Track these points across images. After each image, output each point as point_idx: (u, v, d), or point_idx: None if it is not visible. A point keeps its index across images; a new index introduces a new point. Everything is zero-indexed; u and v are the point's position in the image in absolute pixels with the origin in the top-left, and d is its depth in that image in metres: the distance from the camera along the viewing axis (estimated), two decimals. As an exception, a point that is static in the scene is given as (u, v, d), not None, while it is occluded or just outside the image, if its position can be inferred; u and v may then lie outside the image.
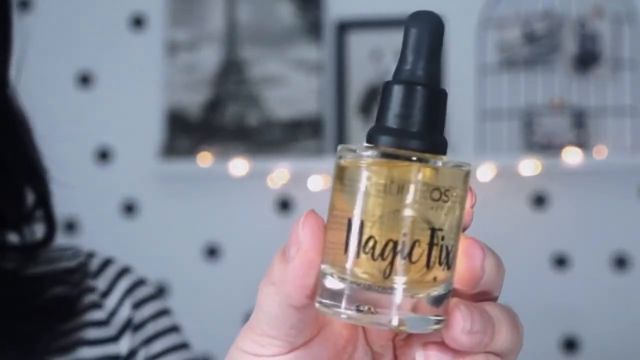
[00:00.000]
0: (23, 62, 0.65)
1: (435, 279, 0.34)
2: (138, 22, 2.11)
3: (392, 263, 0.34)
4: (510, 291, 1.77)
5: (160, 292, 2.04)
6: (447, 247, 0.35)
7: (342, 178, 0.35)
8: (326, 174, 1.93)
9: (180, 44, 2.08)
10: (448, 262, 0.35)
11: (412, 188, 0.34)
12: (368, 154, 0.35)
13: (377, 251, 0.34)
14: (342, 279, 0.34)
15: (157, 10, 2.10)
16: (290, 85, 2.04)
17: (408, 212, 0.34)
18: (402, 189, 0.34)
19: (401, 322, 0.34)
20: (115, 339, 0.64)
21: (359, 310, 0.34)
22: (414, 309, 0.34)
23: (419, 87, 0.35)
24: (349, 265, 0.34)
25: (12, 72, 0.63)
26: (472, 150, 1.97)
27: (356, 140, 1.99)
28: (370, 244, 0.34)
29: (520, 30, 1.99)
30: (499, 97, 1.98)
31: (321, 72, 2.03)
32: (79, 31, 2.09)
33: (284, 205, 2.02)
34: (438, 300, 0.35)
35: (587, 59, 1.95)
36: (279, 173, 1.96)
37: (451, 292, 0.35)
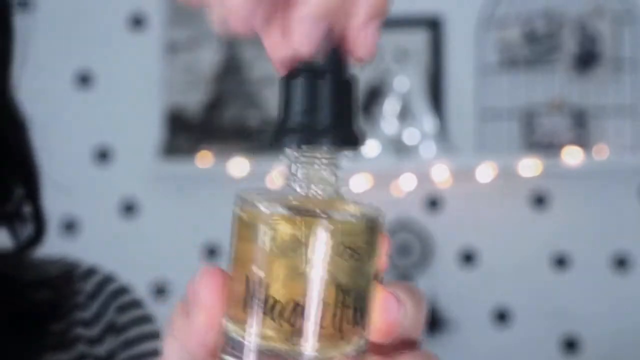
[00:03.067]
0: (23, 62, 0.65)
1: (347, 340, 0.32)
2: (138, 22, 2.11)
3: (298, 328, 0.31)
4: (510, 291, 1.78)
5: (160, 294, 2.04)
6: (358, 306, 0.32)
7: (243, 230, 0.32)
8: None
9: (180, 44, 2.08)
10: (360, 322, 0.32)
11: (317, 246, 0.31)
12: (269, 208, 0.31)
13: (283, 316, 0.31)
14: (245, 339, 0.32)
15: (156, 10, 2.10)
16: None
17: (314, 273, 0.31)
18: (306, 248, 0.31)
19: None
20: (98, 340, 0.65)
21: None
22: None
23: (322, 78, 0.31)
24: (253, 329, 0.32)
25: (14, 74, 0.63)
26: (472, 150, 1.97)
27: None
28: (275, 307, 0.31)
29: (520, 30, 1.99)
30: (499, 97, 1.98)
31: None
32: (79, 31, 2.09)
33: (284, 205, 2.02)
34: (352, 358, 0.32)
35: (587, 59, 1.95)
36: (279, 173, 1.96)
37: (366, 347, 0.33)
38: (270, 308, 0.31)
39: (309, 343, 0.31)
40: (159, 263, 2.04)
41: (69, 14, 2.09)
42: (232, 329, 0.32)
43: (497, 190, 1.97)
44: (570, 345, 1.97)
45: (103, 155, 2.10)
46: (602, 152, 1.91)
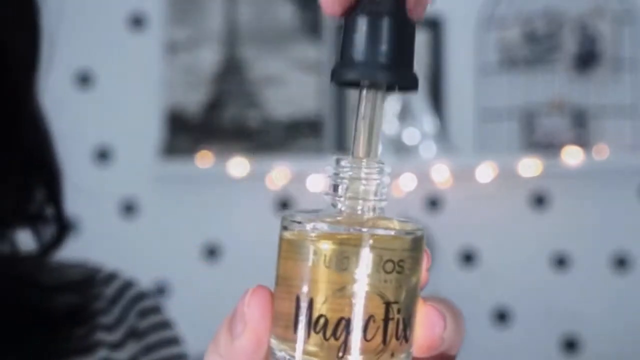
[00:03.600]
0: (49, 66, 0.67)
1: (392, 354, 0.32)
2: (138, 22, 2.10)
3: (345, 343, 0.32)
4: (510, 291, 1.79)
5: (160, 294, 2.04)
6: (404, 320, 0.33)
7: (288, 250, 0.33)
8: (326, 174, 1.93)
9: (180, 43, 2.07)
10: (406, 336, 0.33)
11: (362, 261, 0.32)
12: (314, 226, 0.32)
13: (329, 331, 0.32)
14: (294, 358, 0.32)
15: (156, 10, 2.10)
16: (290, 85, 2.04)
17: (360, 287, 0.32)
18: (352, 263, 0.32)
19: None
20: (119, 345, 0.65)
21: None
22: None
23: (384, 18, 0.32)
24: (299, 345, 0.32)
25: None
26: (472, 150, 1.97)
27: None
28: (321, 323, 0.32)
29: (520, 30, 1.98)
30: (499, 97, 1.98)
31: (321, 72, 2.03)
32: (79, 31, 2.09)
33: (284, 205, 2.02)
34: None
35: (587, 59, 1.95)
36: (279, 173, 1.96)
37: None
38: (317, 324, 0.32)
39: (356, 357, 0.32)
40: (159, 263, 2.03)
41: (68, 14, 2.08)
42: (279, 347, 0.33)
43: (497, 190, 1.97)
44: (570, 345, 1.97)
45: (103, 155, 2.09)
46: (602, 152, 1.91)
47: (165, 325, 0.69)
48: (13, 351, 0.59)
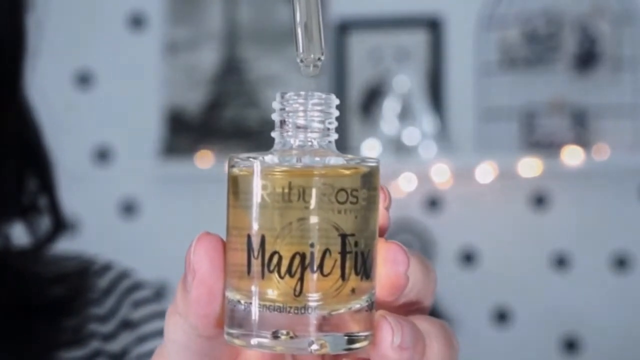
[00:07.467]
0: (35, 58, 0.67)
1: (353, 290, 0.31)
2: (137, 21, 2.10)
3: (301, 279, 0.30)
4: (510, 291, 1.79)
5: (159, 293, 2.04)
6: (362, 254, 0.31)
7: (236, 191, 0.32)
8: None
9: (180, 43, 2.07)
10: (366, 271, 0.31)
11: (314, 192, 0.31)
12: (262, 160, 0.32)
13: (284, 268, 0.30)
14: (250, 304, 0.31)
15: (156, 9, 2.10)
16: (290, 85, 2.04)
17: (313, 220, 0.30)
18: (303, 195, 0.30)
19: (322, 344, 0.30)
20: (112, 336, 0.65)
21: (275, 337, 0.30)
22: (335, 327, 0.31)
23: None
24: (254, 287, 0.31)
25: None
26: (472, 150, 1.97)
27: (357, 140, 1.99)
28: (275, 260, 0.30)
29: (520, 30, 1.98)
30: (499, 97, 1.98)
31: (321, 72, 2.03)
32: (79, 31, 2.09)
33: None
34: (360, 314, 0.31)
35: (587, 59, 1.95)
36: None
37: (375, 304, 0.32)
38: (271, 262, 0.30)
39: (314, 295, 0.30)
40: (159, 263, 2.03)
41: (68, 14, 2.09)
42: (235, 298, 0.31)
43: (497, 190, 1.97)
44: (570, 345, 1.97)
45: (103, 155, 2.09)
46: (602, 152, 1.91)
47: (160, 315, 0.68)
48: (4, 343, 0.59)
